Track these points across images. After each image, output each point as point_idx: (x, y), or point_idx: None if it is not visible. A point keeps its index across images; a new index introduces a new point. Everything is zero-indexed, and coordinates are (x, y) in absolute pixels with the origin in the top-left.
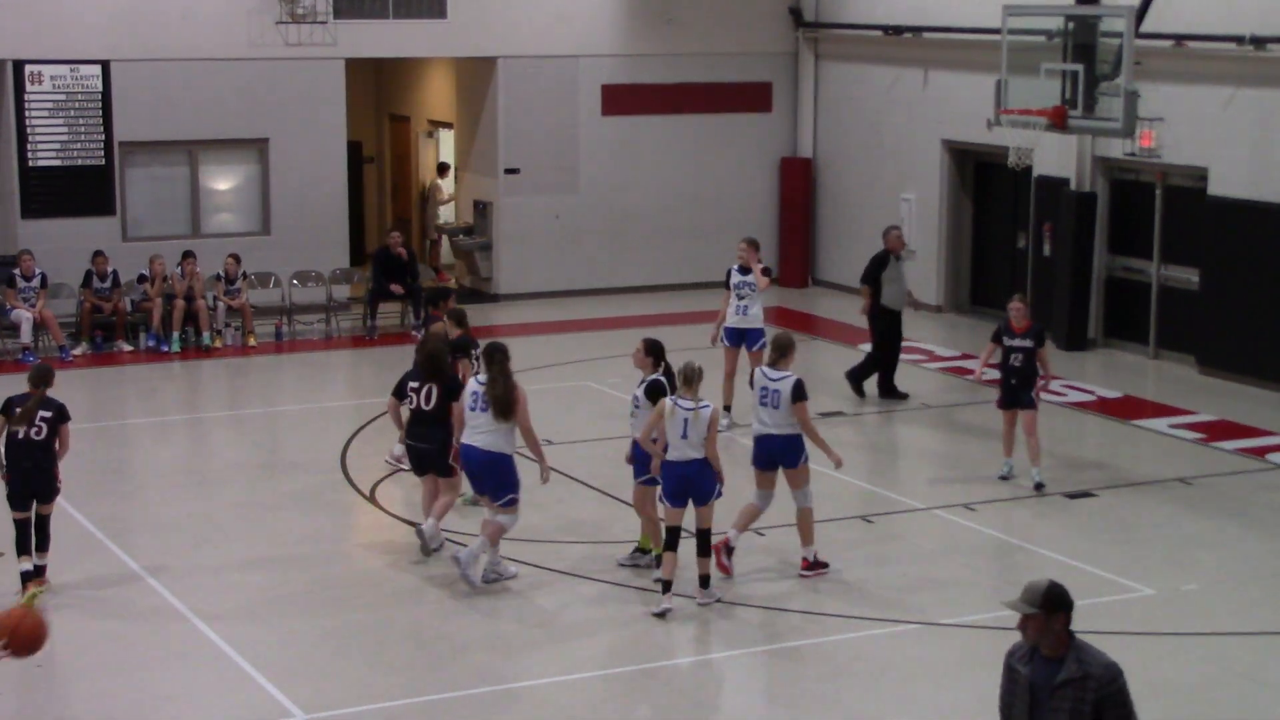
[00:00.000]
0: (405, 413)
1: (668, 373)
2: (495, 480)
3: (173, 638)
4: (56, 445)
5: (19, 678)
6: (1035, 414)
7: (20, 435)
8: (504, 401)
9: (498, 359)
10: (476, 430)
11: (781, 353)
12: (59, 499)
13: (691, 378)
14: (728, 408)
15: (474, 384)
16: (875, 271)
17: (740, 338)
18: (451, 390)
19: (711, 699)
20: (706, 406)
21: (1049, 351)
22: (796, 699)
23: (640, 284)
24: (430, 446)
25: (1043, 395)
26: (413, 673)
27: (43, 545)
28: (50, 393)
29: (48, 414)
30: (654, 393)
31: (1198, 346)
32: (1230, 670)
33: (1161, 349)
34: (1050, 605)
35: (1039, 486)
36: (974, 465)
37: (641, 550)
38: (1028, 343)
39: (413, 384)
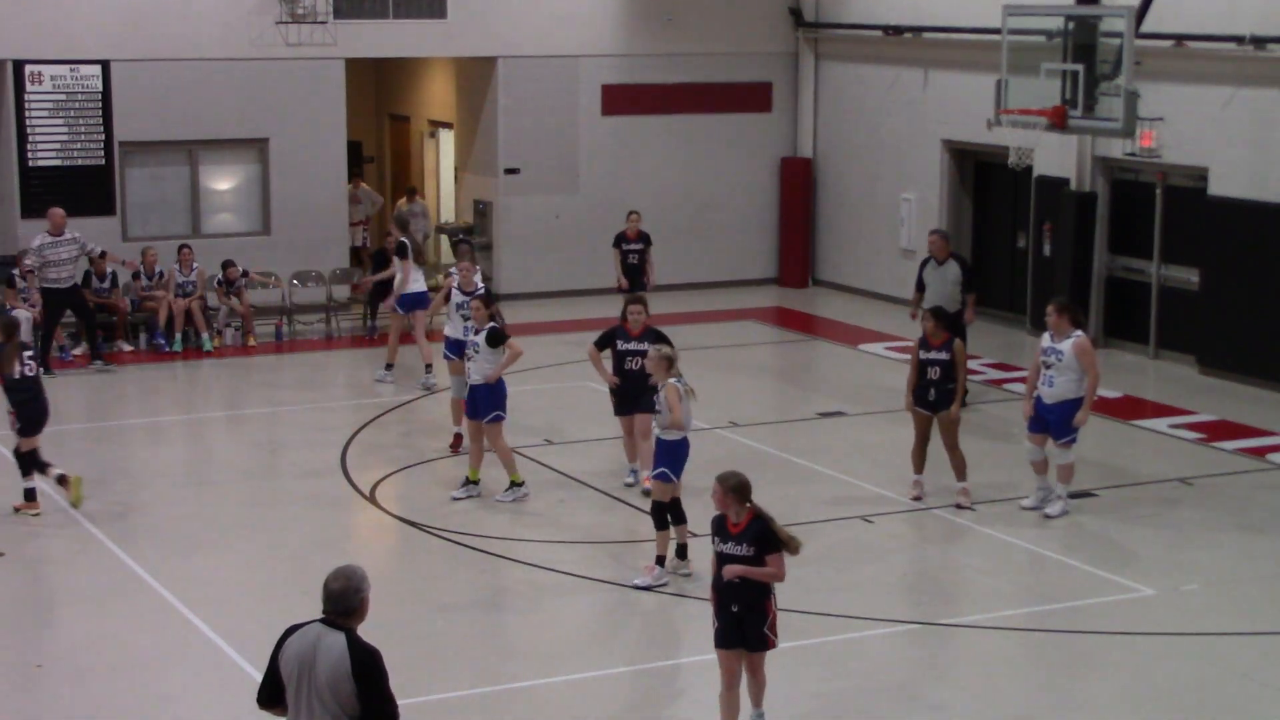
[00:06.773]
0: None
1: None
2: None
3: (173, 638)
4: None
5: (19, 678)
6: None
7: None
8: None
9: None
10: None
11: None
12: None
13: (673, 360)
14: None
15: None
16: (918, 275)
17: None
18: None
19: (711, 699)
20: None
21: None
22: (796, 699)
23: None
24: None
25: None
26: (413, 673)
27: None
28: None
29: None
30: (494, 337)
31: (1198, 346)
32: (1230, 670)
33: (1161, 349)
34: None
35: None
36: (973, 465)
37: (471, 482)
38: None
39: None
